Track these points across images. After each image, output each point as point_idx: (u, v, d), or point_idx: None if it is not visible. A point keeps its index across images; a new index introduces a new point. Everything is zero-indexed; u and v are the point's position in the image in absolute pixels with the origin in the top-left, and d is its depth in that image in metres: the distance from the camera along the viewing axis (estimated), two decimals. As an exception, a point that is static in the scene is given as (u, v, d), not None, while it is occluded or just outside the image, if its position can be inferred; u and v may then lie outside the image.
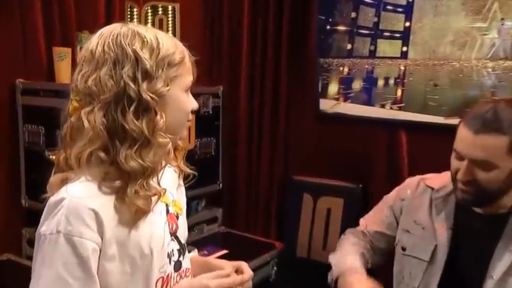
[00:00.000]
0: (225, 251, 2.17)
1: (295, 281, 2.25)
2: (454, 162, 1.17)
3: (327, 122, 2.32)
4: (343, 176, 2.22)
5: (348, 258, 1.31)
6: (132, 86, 0.81)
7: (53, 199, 0.81)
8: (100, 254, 0.81)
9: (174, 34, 2.27)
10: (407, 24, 2.04)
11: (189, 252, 1.02)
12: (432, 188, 1.30)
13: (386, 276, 1.32)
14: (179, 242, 0.94)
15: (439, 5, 1.95)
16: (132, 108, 0.81)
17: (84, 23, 2.08)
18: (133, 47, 0.82)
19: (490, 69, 1.86)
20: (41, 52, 1.99)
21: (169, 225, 0.91)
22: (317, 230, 2.26)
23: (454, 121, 1.49)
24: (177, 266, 0.93)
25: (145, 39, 0.83)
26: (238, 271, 0.98)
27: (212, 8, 2.55)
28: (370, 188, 2.19)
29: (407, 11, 2.02)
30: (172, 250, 0.92)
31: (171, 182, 0.96)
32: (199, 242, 2.25)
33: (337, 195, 2.21)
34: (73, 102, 0.85)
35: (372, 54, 2.15)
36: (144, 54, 0.82)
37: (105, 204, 0.81)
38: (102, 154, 0.81)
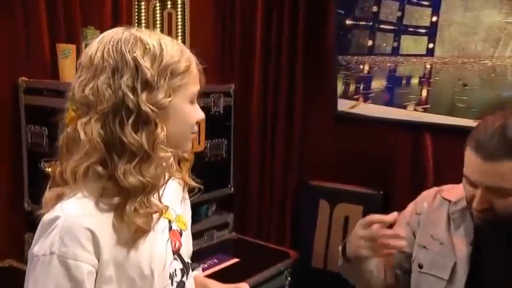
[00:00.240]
0: (236, 260, 2.17)
1: (310, 293, 2.23)
2: (467, 188, 1.13)
3: (345, 123, 2.28)
4: (363, 182, 2.19)
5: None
6: (131, 96, 0.78)
7: (47, 217, 0.79)
8: (96, 277, 0.79)
9: (183, 29, 2.25)
10: (434, 18, 1.98)
11: (193, 270, 0.99)
12: (449, 201, 1.25)
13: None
14: (182, 260, 0.92)
15: (469, -2, 1.91)
16: (130, 121, 0.79)
17: (90, 18, 2.07)
18: (134, 55, 0.80)
19: (526, 69, 1.82)
20: (44, 49, 1.97)
21: (172, 244, 0.89)
22: (334, 239, 2.21)
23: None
24: (180, 287, 0.91)
25: (147, 46, 0.81)
26: None
27: (224, 1, 2.52)
28: (391, 194, 2.15)
29: (435, 4, 1.97)
30: (175, 270, 0.90)
31: (174, 196, 0.94)
32: (208, 249, 2.25)
33: (355, 201, 2.17)
34: (70, 112, 0.83)
35: (395, 51, 2.10)
36: (145, 63, 0.80)
37: (102, 222, 0.79)
38: (99, 168, 0.79)
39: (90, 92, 0.79)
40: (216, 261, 2.13)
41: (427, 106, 2.03)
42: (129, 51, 0.80)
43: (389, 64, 2.11)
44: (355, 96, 2.23)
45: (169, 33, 2.19)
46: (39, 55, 1.97)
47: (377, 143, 2.19)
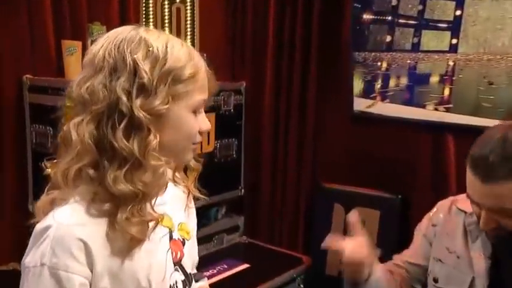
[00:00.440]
0: (246, 265, 2.14)
1: (324, 302, 2.21)
2: (473, 207, 1.12)
3: (361, 123, 2.25)
4: (380, 185, 2.14)
5: None
6: (125, 100, 0.77)
7: (39, 226, 0.78)
8: None
9: (192, 24, 2.24)
10: (458, 12, 1.93)
11: (197, 281, 0.99)
12: (465, 212, 1.23)
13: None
14: (184, 271, 0.91)
15: (496, -9, 1.86)
16: (122, 125, 0.77)
17: (96, 14, 2.06)
18: (135, 56, 0.78)
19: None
20: (49, 45, 1.96)
21: (172, 254, 0.88)
22: None
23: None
24: None
25: (150, 48, 0.80)
26: None
27: (235, -6, 2.53)
28: (411, 198, 2.11)
29: (459, -4, 1.95)
30: (176, 282, 0.88)
31: (176, 203, 0.94)
32: (218, 253, 2.24)
33: (372, 206, 2.12)
34: (67, 109, 0.83)
35: (415, 47, 2.06)
36: (145, 66, 0.78)
37: (95, 232, 0.78)
38: (91, 171, 0.78)
39: (87, 91, 0.78)
40: (226, 266, 2.11)
41: (450, 106, 1.98)
42: (130, 52, 0.78)
43: (409, 61, 2.08)
44: (372, 95, 2.19)
45: (178, 29, 2.17)
46: (44, 52, 1.96)
47: (395, 145, 2.15)
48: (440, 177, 2.03)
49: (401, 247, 1.94)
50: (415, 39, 2.04)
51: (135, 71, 0.78)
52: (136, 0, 2.14)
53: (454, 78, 1.96)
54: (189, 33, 2.20)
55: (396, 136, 2.14)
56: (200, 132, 0.86)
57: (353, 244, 1.20)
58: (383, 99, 2.16)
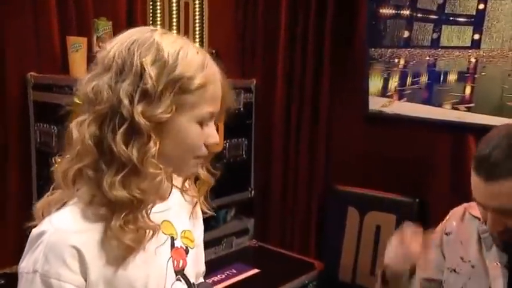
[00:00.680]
0: (256, 270, 2.12)
1: (337, 309, 2.24)
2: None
3: (377, 123, 2.23)
4: (396, 188, 2.12)
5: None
6: (126, 104, 0.76)
7: (35, 231, 0.79)
8: None
9: (201, 19, 2.24)
10: (481, 6, 1.89)
11: None
12: (479, 219, 1.20)
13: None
14: (187, 281, 0.89)
15: (522, -18, 1.83)
16: (122, 129, 0.76)
17: (103, 9, 2.08)
18: (143, 60, 0.77)
19: None
20: (54, 42, 1.96)
21: (174, 262, 0.87)
22: (364, 251, 2.16)
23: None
24: None
25: (160, 53, 0.78)
26: None
27: (245, -12, 2.52)
28: (429, 202, 2.08)
29: (482, -10, 1.91)
30: None
31: (181, 210, 0.93)
32: (227, 257, 2.23)
33: (388, 210, 2.11)
34: (76, 107, 0.82)
35: (435, 43, 2.02)
36: (151, 71, 0.77)
37: (90, 239, 0.78)
38: (90, 173, 0.78)
39: (92, 90, 0.78)
40: (235, 271, 2.09)
41: (471, 105, 1.95)
42: (139, 55, 0.78)
43: (428, 58, 2.05)
44: (389, 94, 2.17)
45: (186, 25, 2.16)
46: (49, 48, 1.95)
47: (413, 146, 2.12)
48: (461, 179, 1.93)
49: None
50: (435, 35, 2.02)
51: (141, 75, 0.77)
52: (144, -6, 2.15)
53: (476, 76, 1.93)
54: (197, 28, 2.19)
55: (414, 136, 2.11)
56: (206, 146, 0.84)
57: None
58: (400, 98, 2.13)
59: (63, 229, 0.77)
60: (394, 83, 2.15)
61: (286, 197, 2.47)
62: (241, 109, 2.27)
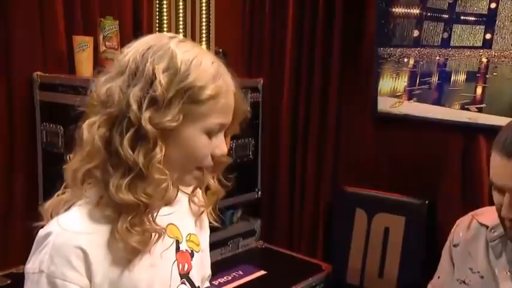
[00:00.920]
0: (262, 272, 2.13)
1: (345, 312, 2.22)
2: (496, 197, 1.10)
3: (386, 124, 2.21)
4: (405, 190, 2.12)
5: None
6: (135, 109, 0.77)
7: (42, 231, 0.80)
8: None
9: (207, 17, 2.26)
10: (493, 5, 1.87)
11: None
12: (486, 226, 1.21)
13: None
14: (192, 284, 0.90)
15: (536, -20, 1.81)
16: (129, 134, 0.78)
17: (109, 8, 2.10)
18: (155, 66, 0.79)
19: None
20: (60, 41, 1.97)
21: (179, 266, 0.87)
22: (372, 253, 2.15)
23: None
24: None
25: (173, 61, 0.79)
26: None
27: (253, -14, 2.51)
28: (438, 204, 2.07)
29: (494, -12, 1.90)
30: None
31: (188, 214, 0.94)
32: (233, 259, 2.24)
33: (397, 212, 2.10)
34: (90, 108, 0.83)
35: (445, 42, 2.01)
36: (161, 79, 0.78)
37: (97, 241, 0.79)
38: (98, 174, 0.80)
39: (106, 92, 0.80)
40: (241, 273, 2.10)
41: (482, 106, 1.94)
42: (153, 61, 0.79)
43: (438, 57, 2.03)
44: (398, 94, 2.15)
45: (193, 24, 2.16)
46: (55, 48, 1.96)
47: (422, 147, 2.11)
48: (471, 181, 1.97)
49: (428, 256, 1.90)
50: (445, 34, 2.00)
51: (152, 81, 0.78)
52: (151, -7, 2.16)
53: (487, 76, 1.91)
54: (204, 27, 2.19)
55: (423, 137, 2.10)
56: (213, 157, 0.84)
57: None
58: (409, 99, 2.12)
59: (70, 230, 0.78)
60: (403, 83, 2.13)
61: (293, 198, 2.46)
62: (248, 109, 2.29)
